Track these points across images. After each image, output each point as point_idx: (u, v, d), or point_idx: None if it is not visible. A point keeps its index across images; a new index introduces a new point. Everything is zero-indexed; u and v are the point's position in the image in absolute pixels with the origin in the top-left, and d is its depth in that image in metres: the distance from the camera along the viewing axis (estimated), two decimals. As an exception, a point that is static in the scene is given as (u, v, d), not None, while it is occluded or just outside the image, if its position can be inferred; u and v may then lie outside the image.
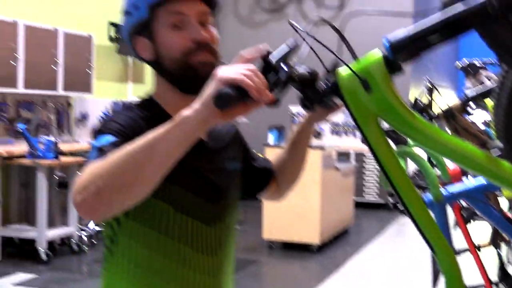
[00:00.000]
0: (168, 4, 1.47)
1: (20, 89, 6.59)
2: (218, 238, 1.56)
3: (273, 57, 1.23)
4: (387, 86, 1.13)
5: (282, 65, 1.22)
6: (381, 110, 1.14)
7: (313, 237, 6.95)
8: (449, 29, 1.06)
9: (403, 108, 1.13)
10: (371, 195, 10.13)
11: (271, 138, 10.30)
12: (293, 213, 6.89)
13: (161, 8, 1.47)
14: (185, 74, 1.47)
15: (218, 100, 1.12)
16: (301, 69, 1.29)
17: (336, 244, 7.49)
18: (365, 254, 7.13)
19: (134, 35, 1.53)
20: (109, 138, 1.36)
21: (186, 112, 1.16)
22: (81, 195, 1.20)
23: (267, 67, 1.21)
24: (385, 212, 9.95)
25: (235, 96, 1.12)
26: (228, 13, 11.20)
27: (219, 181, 1.57)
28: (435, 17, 1.07)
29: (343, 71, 1.18)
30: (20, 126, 6.06)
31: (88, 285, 5.62)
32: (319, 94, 1.24)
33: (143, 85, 9.42)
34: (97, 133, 1.41)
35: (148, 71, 9.51)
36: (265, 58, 1.23)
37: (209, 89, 1.15)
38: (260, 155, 1.83)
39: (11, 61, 6.43)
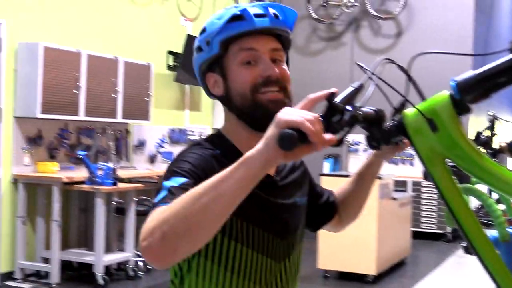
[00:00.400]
0: (240, 40, 1.46)
1: (82, 116, 6.76)
2: (286, 275, 1.54)
3: (339, 99, 1.23)
4: (454, 126, 1.12)
5: (347, 106, 1.22)
6: (448, 150, 1.13)
7: (369, 268, 6.84)
8: None
9: (471, 149, 1.12)
10: (429, 225, 9.93)
11: (326, 167, 10.25)
12: (349, 243, 6.81)
13: (233, 44, 1.46)
14: (254, 111, 1.46)
15: (281, 141, 1.12)
16: (367, 109, 1.30)
17: (393, 275, 7.35)
18: (423, 287, 6.96)
19: (205, 71, 1.54)
20: (180, 180, 1.34)
21: (250, 152, 1.15)
22: (146, 241, 1.17)
23: (333, 109, 1.21)
24: (444, 243, 9.72)
25: (298, 138, 1.12)
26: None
27: (287, 216, 1.56)
28: (505, 59, 1.06)
29: (410, 110, 1.18)
30: (80, 153, 6.21)
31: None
32: (385, 133, 1.26)
33: (199, 112, 9.53)
34: (169, 173, 1.39)
35: (205, 100, 9.62)
36: (330, 100, 1.22)
37: (272, 130, 1.14)
38: (323, 188, 1.82)
39: (73, 90, 6.60)
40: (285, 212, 1.56)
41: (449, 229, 9.86)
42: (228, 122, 1.56)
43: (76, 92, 6.65)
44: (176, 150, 8.84)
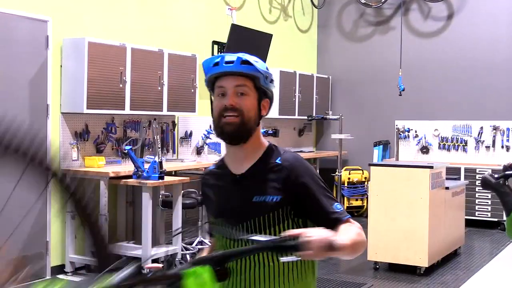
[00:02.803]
0: (218, 79, 2.04)
1: (127, 110, 6.76)
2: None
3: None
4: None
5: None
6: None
7: (421, 259, 6.66)
8: None
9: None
10: (483, 213, 9.64)
11: (376, 154, 10.05)
12: (399, 234, 6.64)
13: (216, 82, 2.05)
14: (219, 130, 2.04)
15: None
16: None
17: (446, 267, 7.14)
18: (477, 279, 6.74)
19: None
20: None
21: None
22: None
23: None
24: (499, 232, 9.43)
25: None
26: (333, 29, 11.06)
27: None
28: None
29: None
30: (126, 148, 6.21)
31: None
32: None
33: (246, 102, 9.43)
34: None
35: (251, 88, 9.50)
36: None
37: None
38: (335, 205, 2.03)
39: (119, 84, 6.60)
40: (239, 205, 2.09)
41: (504, 217, 9.53)
42: None
43: (122, 86, 6.65)
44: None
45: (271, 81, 2.05)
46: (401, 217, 6.63)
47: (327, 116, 7.86)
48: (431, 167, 6.74)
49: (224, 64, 1.99)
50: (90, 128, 6.75)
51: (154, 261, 6.38)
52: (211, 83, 2.06)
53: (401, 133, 9.71)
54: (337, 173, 7.90)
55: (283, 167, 2.02)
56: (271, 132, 5.70)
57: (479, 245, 8.59)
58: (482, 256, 7.95)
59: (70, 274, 6.42)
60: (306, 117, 10.39)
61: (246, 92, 2.00)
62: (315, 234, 1.64)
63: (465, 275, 6.88)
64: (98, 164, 6.55)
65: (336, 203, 1.98)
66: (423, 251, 6.66)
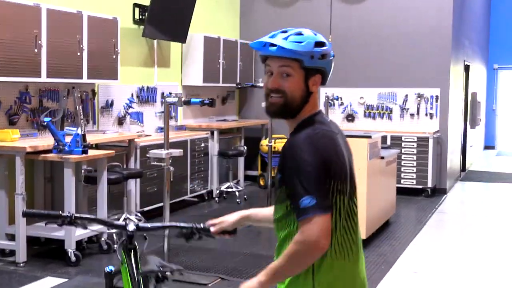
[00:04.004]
0: (266, 60, 2.07)
1: (43, 78, 6.12)
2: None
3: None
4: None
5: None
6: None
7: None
8: None
9: None
10: (409, 180, 9.63)
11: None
12: None
13: (266, 59, 2.08)
14: (266, 107, 2.10)
15: None
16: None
17: (381, 238, 7.01)
18: (413, 248, 6.65)
19: None
20: None
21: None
22: None
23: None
24: (424, 198, 9.46)
25: None
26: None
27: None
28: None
29: None
30: (46, 119, 5.60)
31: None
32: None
33: (168, 69, 8.94)
34: None
35: (174, 55, 9.01)
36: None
37: None
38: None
39: (33, 48, 5.95)
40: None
41: (429, 184, 9.59)
42: None
43: (37, 50, 6.00)
44: (145, 110, 8.29)
45: (322, 56, 2.02)
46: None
47: (257, 84, 7.49)
48: (369, 137, 6.54)
49: (268, 48, 2.02)
50: (1, 97, 6.08)
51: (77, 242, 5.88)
52: (263, 60, 2.10)
53: (330, 101, 9.50)
54: (267, 143, 7.58)
55: (283, 147, 2.03)
56: (207, 102, 5.27)
57: (406, 213, 8.55)
58: (412, 225, 7.90)
59: (-17, 259, 5.80)
60: (230, 85, 10.01)
61: (290, 73, 2.02)
62: (244, 286, 1.98)
63: (401, 245, 6.77)
64: (11, 138, 5.91)
65: (303, 198, 1.87)
66: (361, 223, 6.44)
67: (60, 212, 2.38)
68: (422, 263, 6.15)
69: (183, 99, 5.33)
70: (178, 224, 2.41)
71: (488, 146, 17.45)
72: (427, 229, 7.64)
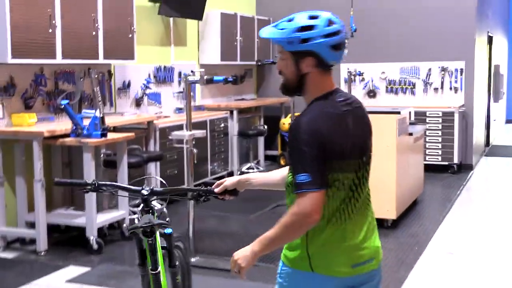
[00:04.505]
0: None
1: (59, 59, 5.89)
2: None
3: None
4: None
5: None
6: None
7: (388, 211, 6.24)
8: None
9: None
10: (434, 156, 9.36)
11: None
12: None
13: None
14: None
15: None
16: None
17: (410, 217, 6.77)
18: (444, 228, 6.40)
19: None
20: None
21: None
22: None
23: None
24: (450, 175, 9.19)
25: None
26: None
27: None
28: None
29: None
30: (63, 102, 5.37)
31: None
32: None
33: (185, 48, 8.68)
34: None
35: (190, 33, 8.75)
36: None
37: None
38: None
39: (48, 29, 5.71)
40: None
41: (455, 160, 9.31)
42: None
43: (51, 31, 5.76)
44: (163, 90, 8.06)
45: (304, 40, 2.10)
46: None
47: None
48: (398, 113, 6.28)
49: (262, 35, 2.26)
50: (16, 80, 5.86)
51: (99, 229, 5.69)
52: None
53: (352, 76, 9.21)
54: (288, 121, 7.34)
55: (290, 126, 2.21)
56: (231, 79, 5.03)
57: (434, 191, 8.29)
58: (441, 203, 7.65)
59: (1, 249, 5.62)
60: (248, 63, 9.75)
61: (282, 57, 2.19)
62: (237, 254, 2.17)
63: (432, 225, 6.53)
64: (28, 122, 5.71)
65: (300, 174, 2.05)
66: (391, 202, 6.23)
67: (86, 180, 2.76)
68: (456, 244, 5.91)
69: (205, 77, 5.09)
70: (186, 187, 2.86)
71: (510, 120, 17.08)
72: (457, 208, 7.38)
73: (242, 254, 2.16)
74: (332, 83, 2.21)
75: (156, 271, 2.70)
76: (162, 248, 2.81)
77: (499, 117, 14.83)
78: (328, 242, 2.15)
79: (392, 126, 6.14)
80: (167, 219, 5.63)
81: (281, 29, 2.13)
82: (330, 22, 2.11)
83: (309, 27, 2.10)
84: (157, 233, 2.66)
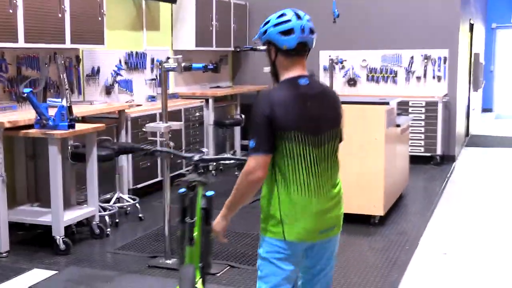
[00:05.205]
0: None
1: (21, 43, 5.40)
2: None
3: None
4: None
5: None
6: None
7: (375, 207, 5.89)
8: None
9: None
10: (417, 147, 9.06)
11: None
12: (351, 180, 5.58)
13: None
14: None
15: None
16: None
17: (397, 213, 6.44)
18: (434, 223, 6.09)
19: None
20: None
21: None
22: None
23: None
24: (432, 167, 8.91)
25: None
26: None
27: None
28: None
29: None
30: (25, 90, 4.89)
31: (123, 281, 4.57)
32: None
33: (158, 32, 8.21)
34: None
35: (163, 18, 8.28)
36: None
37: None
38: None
39: (8, 10, 5.21)
40: None
41: (438, 151, 9.03)
42: None
43: (12, 11, 5.26)
44: (134, 77, 7.60)
45: (264, 32, 2.53)
46: (354, 160, 5.76)
47: (258, 47, 6.77)
48: (387, 103, 5.91)
49: None
50: (-26, 66, 5.36)
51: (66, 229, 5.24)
52: None
53: (334, 64, 8.84)
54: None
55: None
56: (211, 67, 4.63)
57: (418, 184, 7.98)
58: (427, 197, 7.34)
59: None
60: (224, 49, 9.32)
61: (268, 53, 2.58)
62: (213, 225, 2.75)
63: (420, 222, 6.20)
64: (-13, 112, 5.22)
65: (251, 140, 2.45)
66: (379, 198, 5.89)
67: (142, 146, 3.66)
68: (449, 242, 5.58)
69: (183, 64, 4.66)
70: (231, 156, 3.03)
71: (486, 109, 16.92)
72: (444, 202, 7.08)
73: (216, 222, 2.71)
74: (301, 70, 2.52)
75: (192, 220, 3.13)
76: (202, 209, 3.17)
77: (476, 106, 14.63)
78: (293, 210, 2.50)
79: (381, 118, 5.77)
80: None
81: (261, 25, 2.58)
82: (281, 14, 2.49)
83: (268, 22, 2.53)
84: (200, 189, 3.16)
